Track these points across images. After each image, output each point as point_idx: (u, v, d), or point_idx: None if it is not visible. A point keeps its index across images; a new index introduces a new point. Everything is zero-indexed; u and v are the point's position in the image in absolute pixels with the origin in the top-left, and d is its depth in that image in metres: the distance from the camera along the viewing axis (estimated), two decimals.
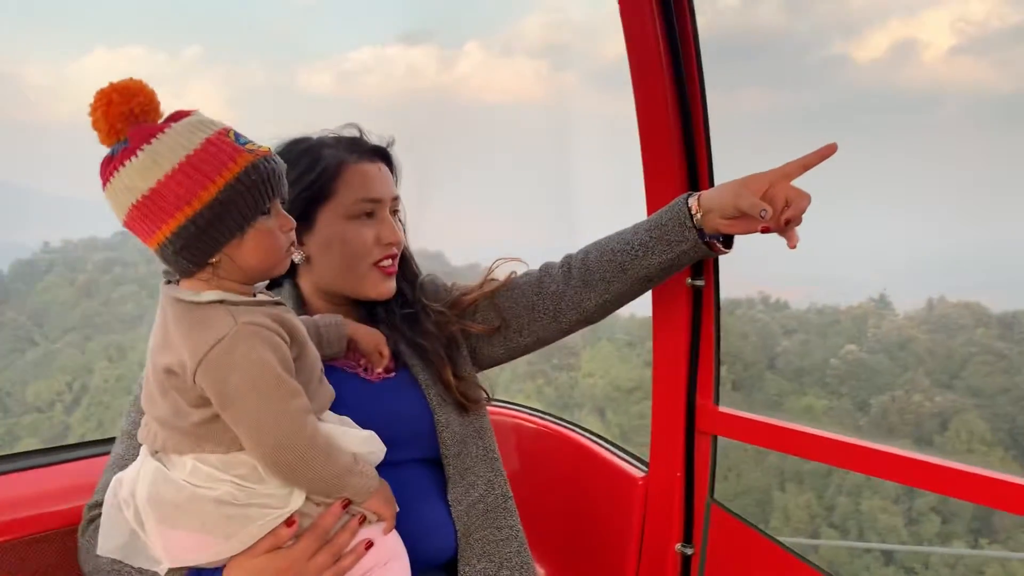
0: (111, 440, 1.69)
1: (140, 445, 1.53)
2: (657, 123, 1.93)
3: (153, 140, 1.21)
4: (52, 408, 34.32)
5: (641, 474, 2.16)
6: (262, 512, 1.32)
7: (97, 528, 1.51)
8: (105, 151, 1.25)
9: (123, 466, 1.47)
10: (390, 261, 1.67)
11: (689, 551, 2.06)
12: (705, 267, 1.99)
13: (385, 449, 1.44)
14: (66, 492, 1.73)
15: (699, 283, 2.00)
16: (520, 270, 1.84)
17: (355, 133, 1.73)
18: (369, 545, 1.39)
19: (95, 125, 1.23)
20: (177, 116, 1.26)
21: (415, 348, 1.69)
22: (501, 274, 1.84)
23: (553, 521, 2.35)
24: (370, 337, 1.63)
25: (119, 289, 38.60)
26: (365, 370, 1.65)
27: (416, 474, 1.62)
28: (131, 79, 1.23)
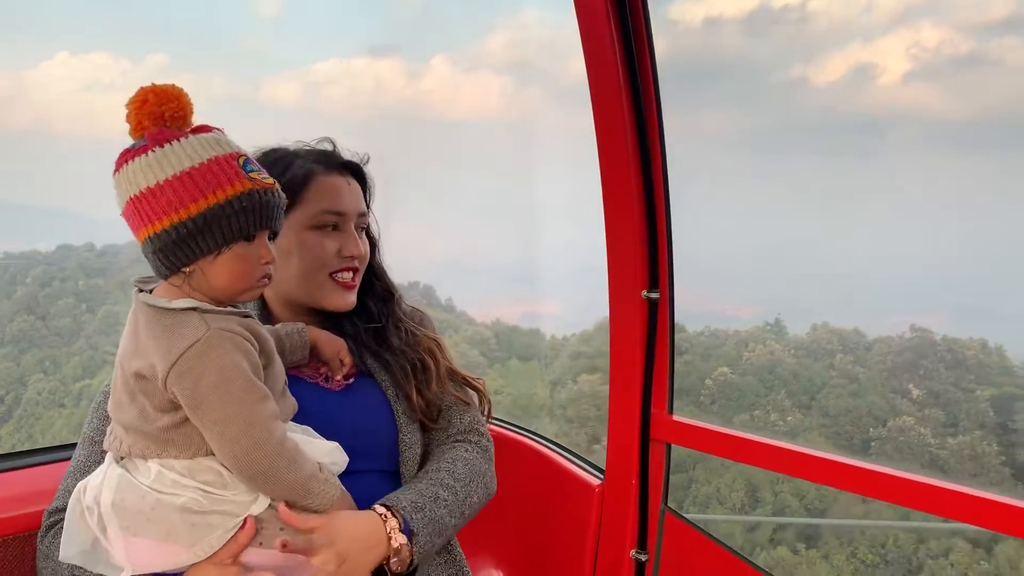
0: (70, 446, 1.61)
1: (102, 451, 1.47)
2: (615, 141, 1.92)
3: (167, 144, 1.21)
4: None
5: (598, 482, 2.12)
6: (224, 520, 1.26)
7: (57, 533, 1.44)
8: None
9: (85, 472, 1.40)
10: (350, 274, 1.62)
11: (643, 557, 2.03)
12: (660, 280, 1.99)
13: (347, 460, 1.40)
14: (24, 498, 1.65)
15: (654, 296, 1.99)
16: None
17: (329, 147, 1.69)
18: None
19: (127, 119, 1.23)
20: (200, 129, 1.26)
21: (382, 363, 1.64)
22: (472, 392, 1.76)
23: (511, 527, 2.31)
24: (332, 343, 1.57)
25: (57, 303, 37.46)
26: (326, 379, 1.59)
27: (375, 485, 1.56)
28: (173, 85, 1.25)
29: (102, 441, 1.51)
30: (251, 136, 1.38)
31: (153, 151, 1.21)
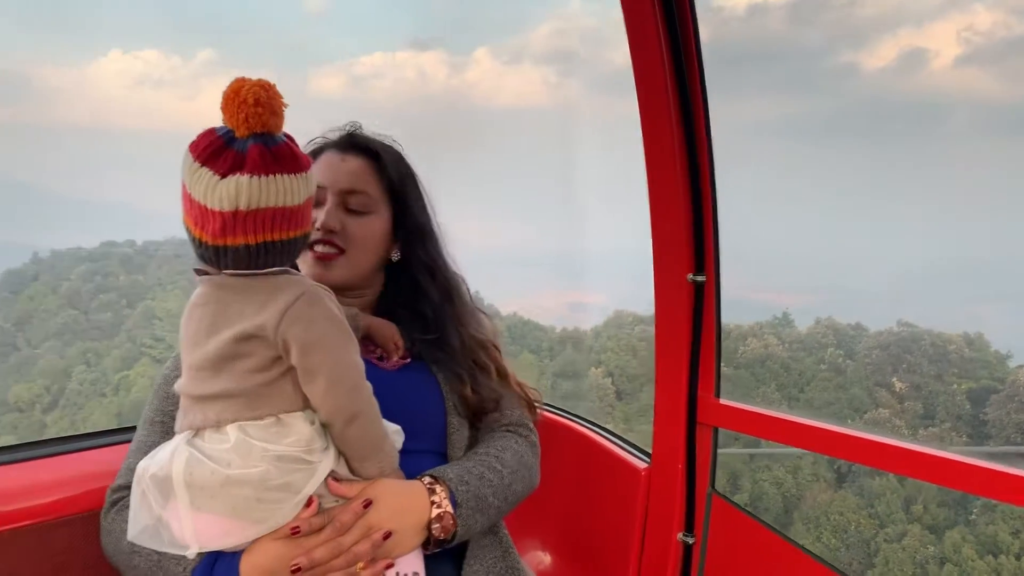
0: (131, 428, 1.59)
1: (162, 431, 1.47)
2: (660, 129, 1.84)
3: (308, 171, 1.24)
4: (32, 408, 33.66)
5: (644, 465, 2.06)
6: (289, 496, 1.23)
7: (120, 510, 1.42)
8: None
9: (145, 451, 1.36)
10: (322, 247, 1.55)
11: (690, 540, 1.98)
12: (706, 263, 1.93)
13: (403, 439, 1.38)
14: (87, 478, 1.62)
15: (700, 279, 1.93)
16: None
17: (351, 129, 1.66)
18: (390, 565, 1.31)
19: (250, 108, 1.16)
20: (294, 140, 1.25)
21: (436, 358, 1.58)
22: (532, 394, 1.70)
23: (558, 510, 2.25)
24: (385, 328, 1.54)
25: (99, 298, 37.97)
26: (380, 359, 1.56)
27: (424, 464, 1.50)
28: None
29: (162, 422, 1.49)
30: (298, 129, 1.34)
31: (302, 175, 1.22)
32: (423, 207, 1.65)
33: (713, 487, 1.98)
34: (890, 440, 1.69)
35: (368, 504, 1.29)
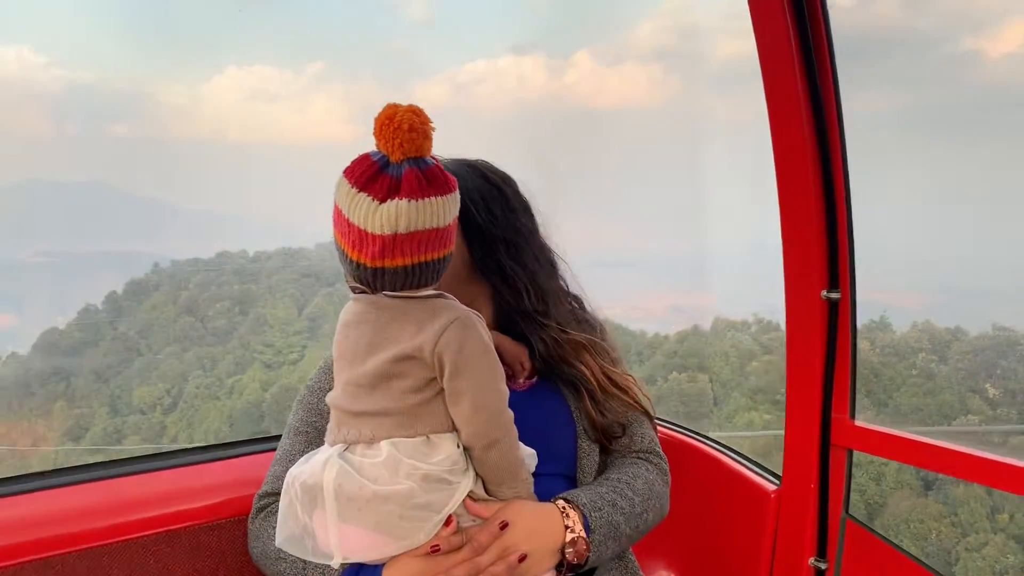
0: (275, 438, 1.64)
1: (305, 441, 1.49)
2: (790, 124, 1.75)
3: (456, 190, 1.26)
4: (153, 410, 35.40)
5: (774, 487, 1.98)
6: (430, 515, 1.25)
7: (267, 516, 1.46)
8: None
9: (291, 460, 1.40)
10: None
11: (823, 566, 1.89)
12: (841, 279, 1.85)
13: (536, 464, 1.38)
14: (235, 484, 1.68)
15: (835, 296, 1.85)
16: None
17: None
18: None
19: (404, 134, 1.19)
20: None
21: (565, 381, 1.55)
22: (647, 405, 1.63)
23: (685, 532, 2.19)
24: (514, 348, 1.52)
25: (215, 306, 39.61)
26: (508, 378, 1.55)
27: (555, 488, 1.48)
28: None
29: (306, 432, 1.53)
30: None
31: (452, 195, 1.24)
32: (490, 210, 1.53)
33: (847, 511, 1.90)
34: None
35: (504, 526, 1.29)
